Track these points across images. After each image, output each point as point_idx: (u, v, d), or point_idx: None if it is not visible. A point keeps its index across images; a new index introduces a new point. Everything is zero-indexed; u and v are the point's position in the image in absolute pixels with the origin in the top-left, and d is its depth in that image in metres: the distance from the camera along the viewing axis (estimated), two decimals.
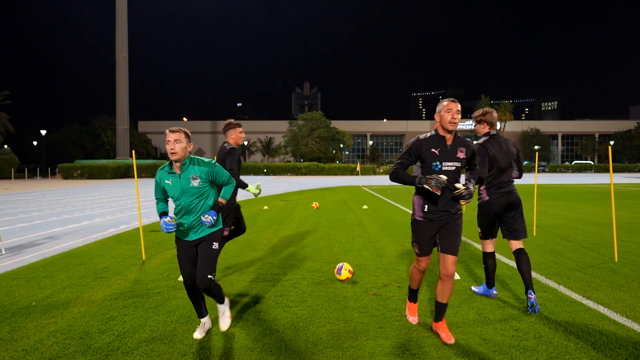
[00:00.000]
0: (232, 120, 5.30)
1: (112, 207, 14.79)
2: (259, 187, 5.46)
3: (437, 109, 3.61)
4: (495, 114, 4.65)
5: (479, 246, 7.43)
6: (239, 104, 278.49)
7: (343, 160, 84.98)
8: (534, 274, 5.58)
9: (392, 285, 5.19)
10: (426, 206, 3.59)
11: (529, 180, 39.00)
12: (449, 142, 3.58)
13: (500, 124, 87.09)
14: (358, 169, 34.38)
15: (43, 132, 55.71)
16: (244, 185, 5.24)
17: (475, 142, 4.39)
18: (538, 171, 71.27)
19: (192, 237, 3.67)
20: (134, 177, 45.37)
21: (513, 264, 6.15)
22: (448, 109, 3.53)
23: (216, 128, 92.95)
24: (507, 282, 5.24)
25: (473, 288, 4.94)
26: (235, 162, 5.07)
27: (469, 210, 12.26)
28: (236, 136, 5.23)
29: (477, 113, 4.68)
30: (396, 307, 4.40)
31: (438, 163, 3.53)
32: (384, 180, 40.76)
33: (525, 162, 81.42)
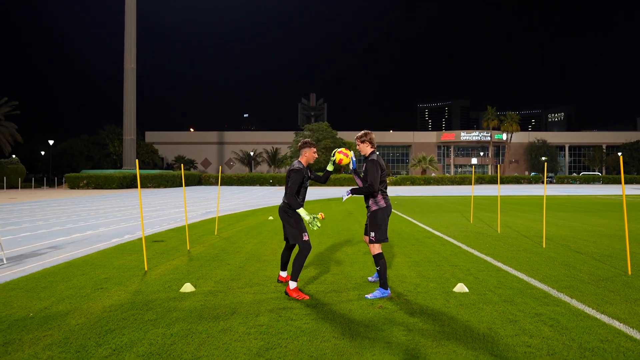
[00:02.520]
0: (308, 139, 5.64)
1: (117, 217, 14.73)
2: (314, 220, 5.16)
3: None
4: (373, 135, 5.40)
5: (483, 256, 7.27)
6: (245, 115, 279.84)
7: (349, 172, 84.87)
8: (545, 287, 5.43)
9: (399, 298, 5.05)
10: None
11: (537, 191, 38.65)
12: None
13: (507, 135, 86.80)
14: None
15: (51, 142, 56.07)
16: (297, 207, 5.17)
17: (369, 158, 5.26)
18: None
19: None
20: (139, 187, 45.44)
21: (522, 276, 5.99)
22: None
23: (222, 139, 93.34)
24: (517, 296, 5.08)
25: (368, 296, 5.12)
26: (295, 182, 5.20)
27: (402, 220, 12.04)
28: (309, 155, 5.44)
29: (359, 134, 5.37)
30: (403, 321, 4.25)
31: None
32: (390, 191, 40.58)
33: (533, 174, 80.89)
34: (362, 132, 5.41)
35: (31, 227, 11.94)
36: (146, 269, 6.62)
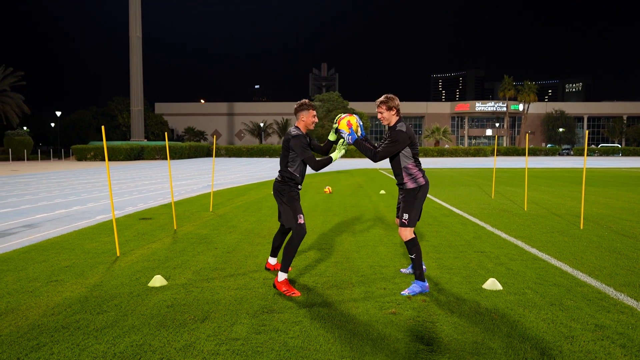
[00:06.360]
0: (306, 100, 4.53)
1: (112, 191, 13.84)
2: (340, 146, 4.51)
3: None
4: (397, 100, 4.39)
5: (513, 239, 6.20)
6: (256, 86, 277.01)
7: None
8: (597, 284, 4.37)
9: (417, 297, 4.03)
10: None
11: (556, 163, 37.15)
12: None
13: (524, 106, 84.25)
14: None
15: (58, 113, 55.39)
16: (329, 160, 4.44)
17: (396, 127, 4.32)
18: (561, 154, 68.66)
19: None
20: (147, 159, 44.72)
21: (566, 267, 4.93)
22: None
23: (232, 110, 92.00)
24: (565, 296, 4.03)
25: (405, 292, 4.14)
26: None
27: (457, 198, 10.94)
28: (308, 120, 4.47)
29: (381, 99, 4.39)
30: (424, 334, 3.23)
31: None
32: None
33: (549, 145, 78.71)
34: (385, 96, 4.35)
35: (17, 202, 11.10)
36: (118, 254, 5.68)
